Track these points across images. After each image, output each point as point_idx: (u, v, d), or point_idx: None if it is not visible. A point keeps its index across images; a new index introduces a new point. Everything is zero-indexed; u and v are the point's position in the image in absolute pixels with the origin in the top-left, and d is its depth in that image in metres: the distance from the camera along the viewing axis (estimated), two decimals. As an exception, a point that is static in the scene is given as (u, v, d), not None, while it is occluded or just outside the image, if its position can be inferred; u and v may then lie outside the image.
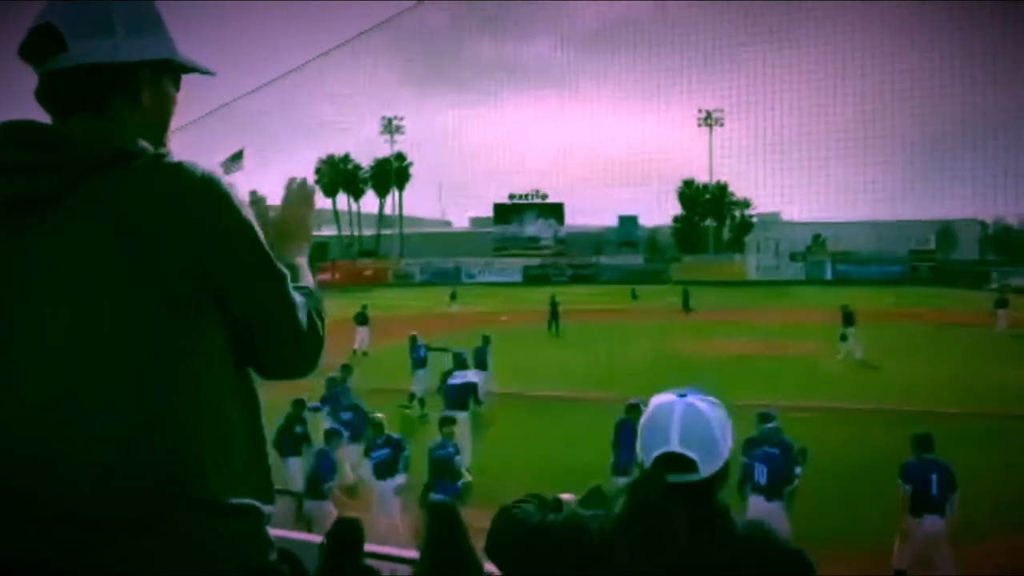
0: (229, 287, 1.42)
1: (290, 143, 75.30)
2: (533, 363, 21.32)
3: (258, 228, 1.46)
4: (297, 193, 1.80)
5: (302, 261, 1.68)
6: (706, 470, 1.74)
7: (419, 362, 17.19)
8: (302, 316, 1.50)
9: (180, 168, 1.41)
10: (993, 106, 49.32)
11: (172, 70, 1.56)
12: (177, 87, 1.59)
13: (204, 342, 1.41)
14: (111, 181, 1.38)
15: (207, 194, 1.41)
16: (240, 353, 1.47)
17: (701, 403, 1.79)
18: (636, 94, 68.61)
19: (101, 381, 1.33)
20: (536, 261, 69.33)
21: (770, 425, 8.73)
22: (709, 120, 70.13)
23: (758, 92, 54.51)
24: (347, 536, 4.88)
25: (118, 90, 1.47)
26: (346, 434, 10.27)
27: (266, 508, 1.46)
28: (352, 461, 10.64)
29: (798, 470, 8.38)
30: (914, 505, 7.59)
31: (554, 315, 31.22)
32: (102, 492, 1.32)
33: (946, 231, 69.13)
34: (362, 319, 25.32)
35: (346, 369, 13.61)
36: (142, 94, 1.50)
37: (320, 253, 69.71)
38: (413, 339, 17.88)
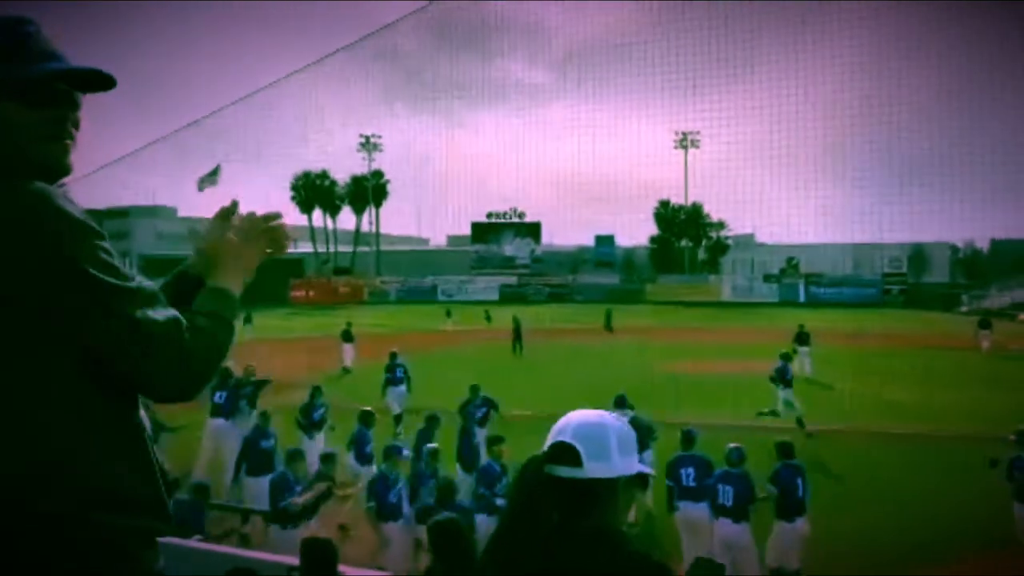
0: (69, 320, 1.41)
1: (266, 159, 74.94)
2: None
3: (99, 249, 1.43)
4: (248, 224, 1.81)
5: (227, 286, 1.69)
6: (591, 470, 1.79)
7: (396, 380, 17.10)
8: (172, 340, 1.48)
9: (7, 193, 1.38)
10: (966, 131, 50.22)
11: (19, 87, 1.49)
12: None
13: (44, 374, 1.41)
14: None
15: (31, 225, 1.37)
16: (112, 378, 1.47)
17: (608, 416, 1.90)
18: (614, 115, 69.22)
19: None
20: (513, 280, 69.37)
21: (732, 446, 8.74)
22: (685, 142, 70.87)
23: (734, 114, 55.22)
24: (319, 556, 4.83)
25: None
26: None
27: (148, 522, 1.50)
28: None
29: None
30: (782, 509, 8.10)
31: (517, 336, 30.45)
32: None
33: (918, 254, 70.23)
34: (347, 336, 26.05)
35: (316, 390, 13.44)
36: None
37: (295, 270, 69.32)
38: (393, 356, 17.72)
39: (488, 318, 41.10)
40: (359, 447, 10.98)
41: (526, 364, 26.79)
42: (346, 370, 24.92)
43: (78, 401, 1.44)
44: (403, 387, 17.08)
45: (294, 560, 5.44)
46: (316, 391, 13.33)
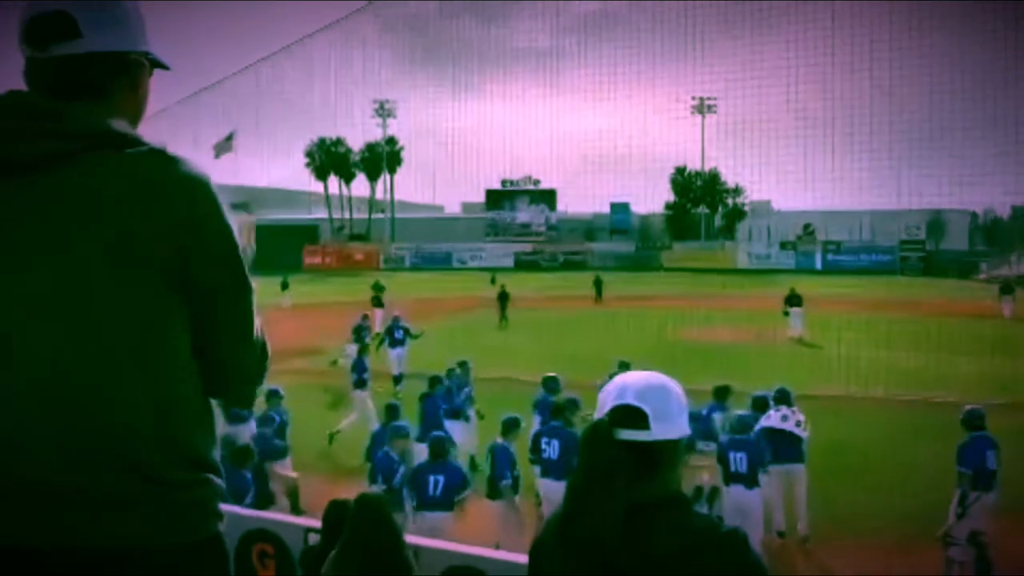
0: (201, 283, 1.51)
1: (281, 125, 74.78)
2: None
3: (238, 236, 1.56)
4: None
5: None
6: (658, 431, 1.74)
7: (396, 341, 17.66)
8: (258, 335, 1.63)
9: (178, 162, 1.50)
10: (987, 97, 49.38)
11: (151, 64, 1.67)
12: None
13: (169, 328, 1.50)
14: (110, 160, 1.45)
15: (199, 192, 1.52)
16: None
17: (661, 375, 1.85)
18: (630, 80, 68.45)
19: (67, 354, 1.42)
20: (527, 247, 69.29)
21: (740, 413, 8.84)
22: (702, 107, 70.08)
23: (751, 80, 54.46)
24: (338, 517, 4.87)
25: (122, 77, 1.59)
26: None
27: (218, 481, 1.59)
28: None
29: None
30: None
31: (503, 306, 29.19)
32: (55, 463, 1.41)
33: (936, 221, 69.41)
34: (378, 302, 26.20)
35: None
36: (140, 83, 1.63)
37: (310, 236, 69.52)
38: (395, 319, 18.43)
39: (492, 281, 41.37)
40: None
41: (512, 335, 25.76)
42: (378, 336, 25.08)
43: (192, 373, 1.55)
44: (402, 348, 17.69)
45: (313, 522, 5.53)
46: (463, 367, 12.17)
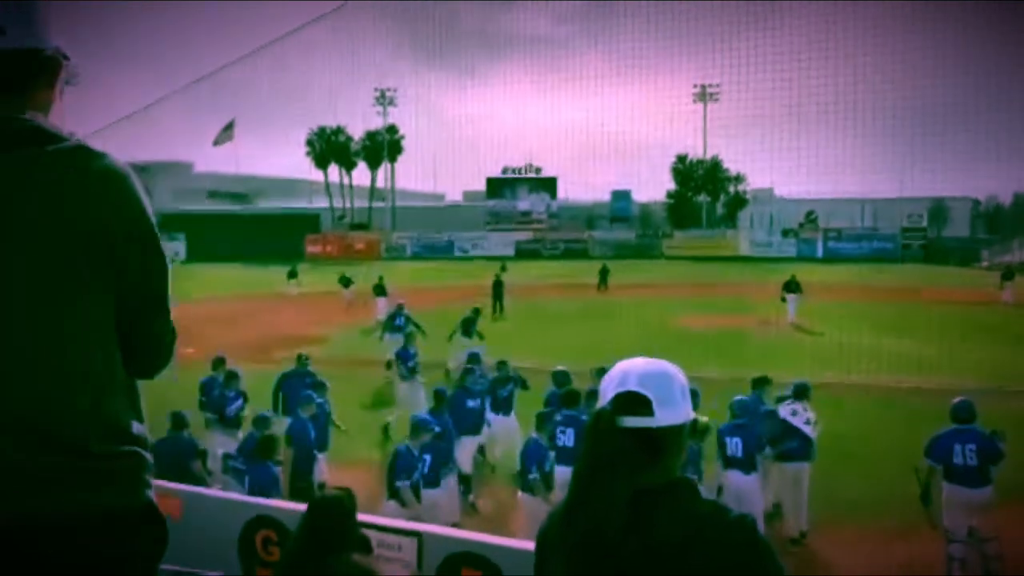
0: (125, 267, 1.62)
1: (281, 114, 74.73)
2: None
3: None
4: None
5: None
6: (661, 417, 1.73)
7: (396, 329, 17.85)
8: (173, 328, 1.76)
9: (103, 157, 1.60)
10: (988, 85, 49.19)
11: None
12: None
13: (94, 309, 1.61)
14: (37, 155, 1.54)
15: (122, 184, 1.61)
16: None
17: (663, 361, 1.84)
18: (631, 68, 68.21)
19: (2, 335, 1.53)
20: (528, 235, 69.23)
21: (738, 398, 8.86)
22: (704, 95, 69.83)
23: (753, 68, 54.24)
24: (328, 514, 4.91)
25: (42, 76, 1.65)
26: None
27: (145, 454, 1.70)
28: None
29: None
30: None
31: (497, 295, 28.40)
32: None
33: (938, 208, 69.32)
34: (380, 290, 26.23)
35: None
36: (56, 79, 1.69)
37: (312, 225, 69.46)
38: (400, 307, 18.76)
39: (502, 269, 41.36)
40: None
41: (508, 325, 25.27)
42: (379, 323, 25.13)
43: (115, 351, 1.66)
44: (399, 335, 17.54)
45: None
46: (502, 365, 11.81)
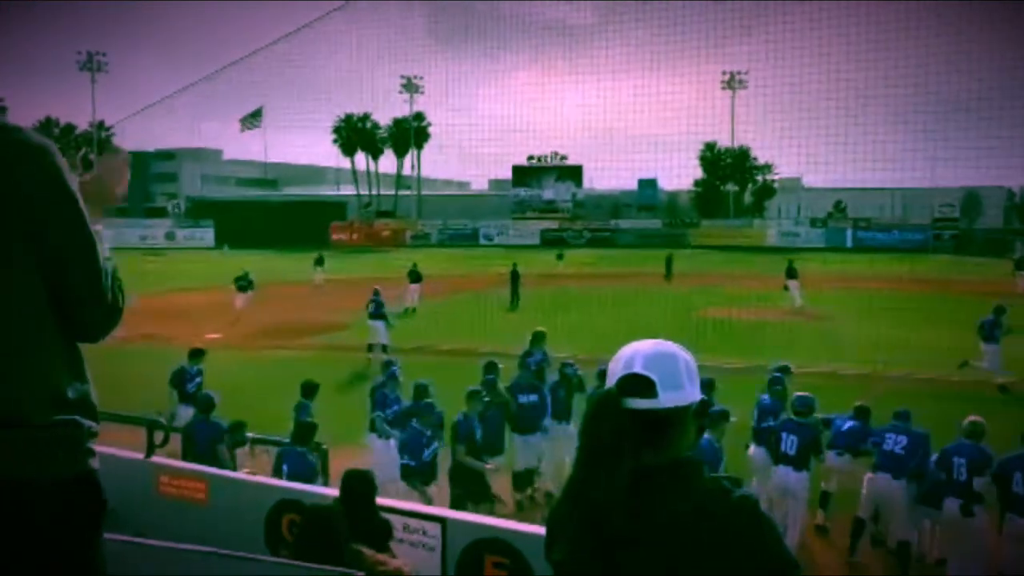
0: (50, 237, 1.65)
1: (308, 101, 75.01)
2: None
3: (77, 191, 1.70)
4: (108, 161, 1.98)
5: (100, 228, 1.83)
6: (666, 399, 1.75)
7: (377, 315, 18.45)
8: (106, 281, 1.74)
9: (20, 130, 1.65)
10: (1021, 75, 48.17)
11: None
12: None
13: (25, 279, 1.64)
14: None
15: (40, 154, 1.65)
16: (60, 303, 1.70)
17: (669, 343, 1.85)
18: (659, 55, 67.63)
19: None
20: (554, 224, 69.11)
21: (799, 395, 8.75)
22: (732, 82, 69.15)
23: (782, 55, 53.52)
24: (357, 487, 4.97)
25: None
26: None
27: (87, 422, 1.71)
28: None
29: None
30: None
31: (514, 286, 27.77)
32: None
33: (971, 198, 68.06)
34: (415, 276, 26.37)
35: None
36: None
37: (338, 213, 69.84)
38: (375, 292, 19.10)
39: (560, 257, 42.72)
40: None
41: (523, 315, 24.20)
42: (409, 310, 25.32)
43: (49, 320, 1.69)
44: (378, 322, 18.43)
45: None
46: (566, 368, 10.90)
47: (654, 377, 1.75)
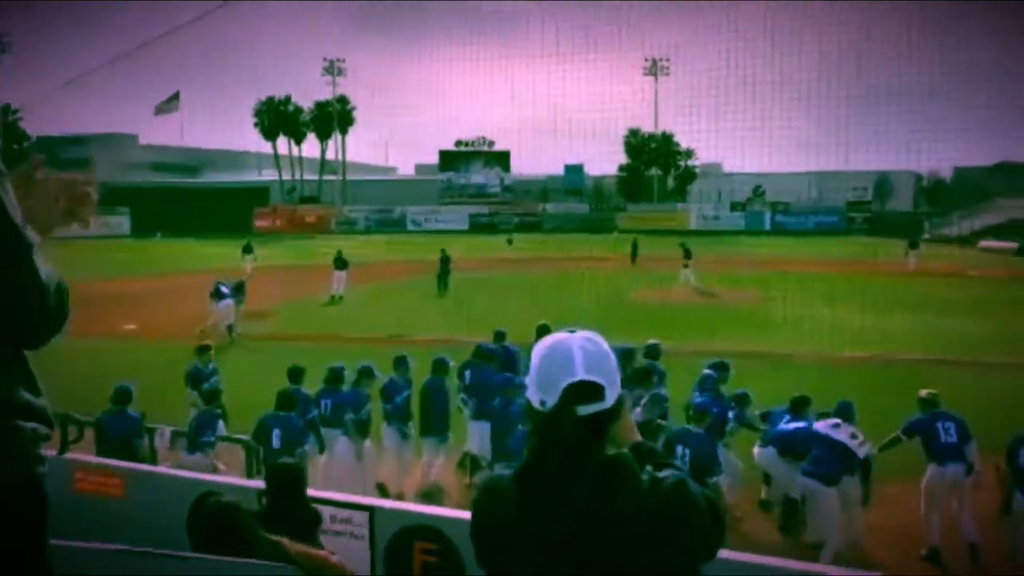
0: None
1: (228, 84, 73.02)
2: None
3: (7, 201, 1.58)
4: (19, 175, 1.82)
5: (37, 239, 1.72)
6: (610, 398, 1.77)
7: (223, 296, 19.14)
8: (49, 288, 1.65)
9: None
10: (929, 65, 50.18)
11: None
12: None
13: None
14: None
15: None
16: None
17: (594, 336, 1.84)
18: (584, 42, 68.11)
19: None
20: (483, 209, 69.03)
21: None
22: (655, 69, 70.08)
23: (703, 42, 54.54)
24: (285, 478, 4.89)
25: None
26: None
27: (28, 425, 1.67)
28: None
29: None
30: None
31: (444, 270, 27.31)
32: None
33: (883, 183, 70.78)
34: (341, 263, 25.90)
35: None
36: None
37: (260, 199, 68.27)
38: (218, 283, 19.49)
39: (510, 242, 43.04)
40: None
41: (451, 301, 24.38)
42: (335, 297, 25.07)
43: None
44: (230, 301, 19.17)
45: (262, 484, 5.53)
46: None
47: (602, 381, 1.76)
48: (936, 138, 62.64)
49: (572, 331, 1.85)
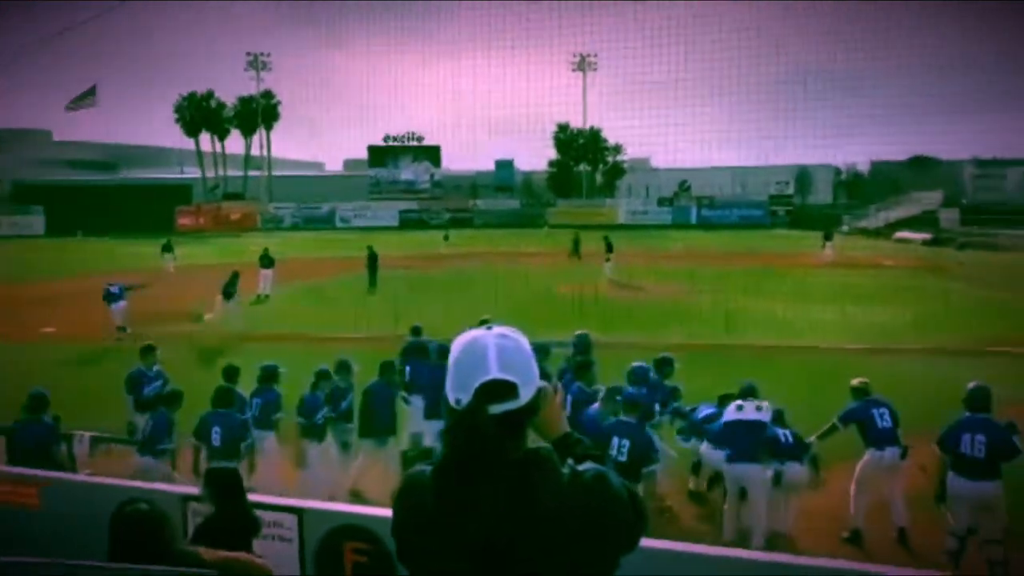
0: None
1: (148, 78, 70.80)
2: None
3: None
4: None
5: None
6: (525, 396, 1.75)
7: (113, 297, 19.07)
8: None
9: None
10: (847, 61, 51.93)
11: None
12: None
13: None
14: None
15: None
16: None
17: (510, 333, 1.82)
18: (514, 37, 68.28)
19: None
20: (413, 205, 68.59)
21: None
22: (583, 65, 70.67)
23: (631, 38, 55.27)
24: (221, 483, 4.78)
25: None
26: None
27: None
28: None
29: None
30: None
31: (372, 267, 26.99)
32: None
33: (803, 177, 73.02)
34: (267, 261, 25.31)
35: None
36: None
37: (183, 196, 66.44)
38: (108, 285, 19.43)
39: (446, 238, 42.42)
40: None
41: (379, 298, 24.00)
42: (261, 296, 24.57)
43: None
44: (122, 303, 19.17)
45: (190, 489, 5.38)
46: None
47: (515, 380, 1.74)
48: (854, 133, 64.81)
49: (489, 327, 1.84)
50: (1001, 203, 65.93)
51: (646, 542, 4.17)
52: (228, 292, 19.79)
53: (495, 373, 1.73)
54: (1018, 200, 67.41)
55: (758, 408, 7.74)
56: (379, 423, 9.21)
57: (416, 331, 11.60)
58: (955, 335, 17.33)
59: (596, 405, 7.83)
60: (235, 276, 20.35)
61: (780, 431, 7.73)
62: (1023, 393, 7.35)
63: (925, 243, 46.76)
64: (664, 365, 9.44)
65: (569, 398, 8.24)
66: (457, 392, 1.76)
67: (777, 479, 7.53)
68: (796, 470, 7.66)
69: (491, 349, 1.76)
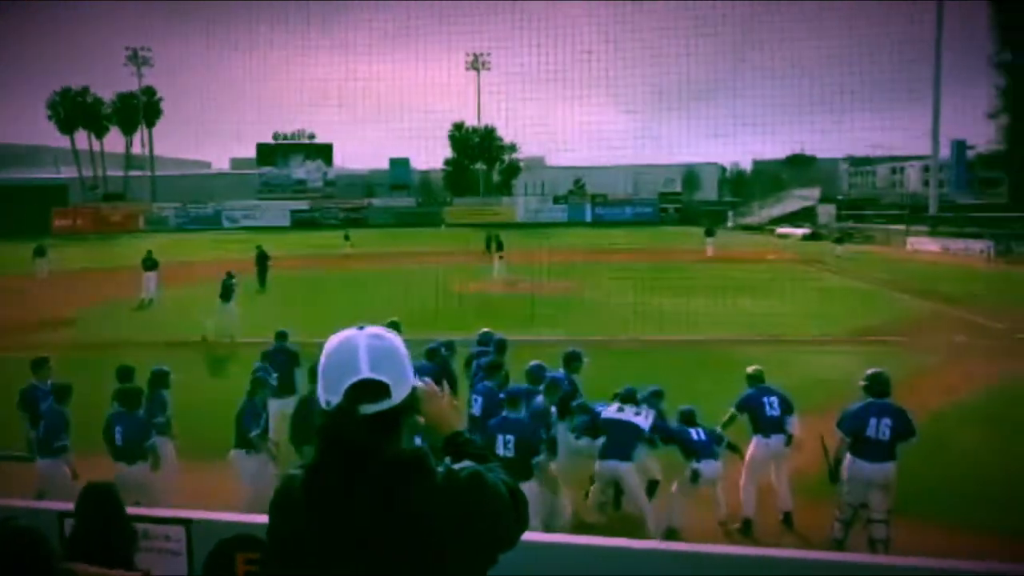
0: None
1: (20, 74, 66.78)
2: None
3: None
4: None
5: None
6: (398, 395, 1.75)
7: None
8: None
9: None
10: (735, 63, 53.97)
11: None
12: None
13: None
14: None
15: None
16: None
17: (383, 333, 1.82)
18: (408, 34, 67.76)
19: None
20: (305, 204, 67.17)
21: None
22: (477, 63, 70.83)
23: (523, 37, 55.77)
24: (97, 498, 4.58)
25: None
26: None
27: None
28: None
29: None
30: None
31: (261, 267, 26.39)
32: None
33: (691, 175, 75.54)
34: (151, 264, 24.06)
35: None
36: None
37: (58, 198, 62.97)
38: None
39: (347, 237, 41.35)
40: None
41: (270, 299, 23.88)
42: (145, 301, 23.54)
43: None
44: None
45: (66, 505, 5.13)
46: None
47: (387, 380, 1.73)
48: (737, 132, 67.36)
49: (361, 327, 1.83)
50: (873, 198, 69.98)
51: (629, 543, 4.21)
52: (225, 295, 18.38)
53: (366, 373, 1.72)
54: (887, 195, 71.76)
55: (636, 413, 7.97)
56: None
57: (282, 336, 11.07)
58: (832, 325, 18.30)
59: (540, 398, 7.90)
60: (229, 276, 18.92)
61: (692, 430, 7.89)
62: (896, 379, 7.79)
63: (804, 237, 49.09)
64: (572, 360, 9.57)
65: (479, 399, 8.28)
66: (327, 393, 1.75)
67: (695, 476, 7.73)
68: (713, 467, 7.82)
69: (362, 349, 1.75)
